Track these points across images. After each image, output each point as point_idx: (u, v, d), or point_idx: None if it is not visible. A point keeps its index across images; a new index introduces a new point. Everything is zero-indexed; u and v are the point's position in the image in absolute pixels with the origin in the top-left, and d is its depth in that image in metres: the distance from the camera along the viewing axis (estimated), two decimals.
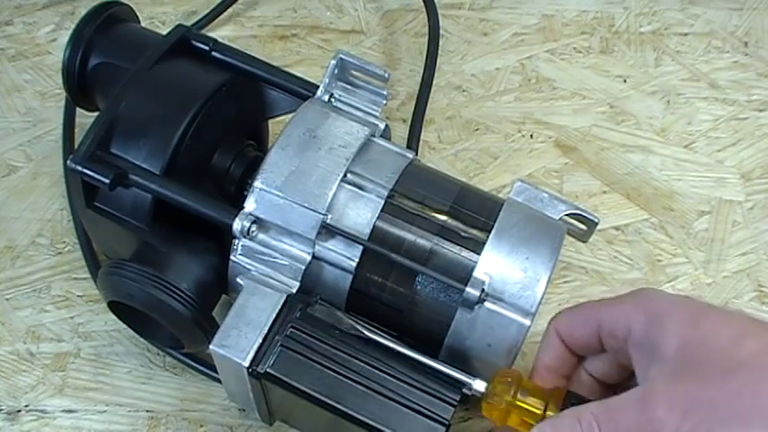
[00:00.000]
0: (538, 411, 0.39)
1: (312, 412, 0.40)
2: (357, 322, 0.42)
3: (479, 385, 0.40)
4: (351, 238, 0.43)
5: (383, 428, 0.39)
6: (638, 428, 0.33)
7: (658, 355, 0.34)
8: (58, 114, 0.61)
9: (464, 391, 0.40)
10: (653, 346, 0.35)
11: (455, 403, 0.39)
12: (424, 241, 0.43)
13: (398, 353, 0.41)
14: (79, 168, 0.43)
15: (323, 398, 0.39)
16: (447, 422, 0.39)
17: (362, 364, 0.40)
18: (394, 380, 0.40)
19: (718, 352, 0.33)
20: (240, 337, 0.40)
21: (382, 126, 0.48)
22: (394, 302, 0.44)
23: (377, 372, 0.40)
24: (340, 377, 0.40)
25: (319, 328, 0.41)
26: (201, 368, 0.50)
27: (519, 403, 0.40)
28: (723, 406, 0.32)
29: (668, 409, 0.32)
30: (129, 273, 0.43)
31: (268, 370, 0.40)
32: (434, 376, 0.40)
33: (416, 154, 0.49)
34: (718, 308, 0.36)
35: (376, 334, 0.41)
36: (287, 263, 0.43)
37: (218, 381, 0.49)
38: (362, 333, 0.41)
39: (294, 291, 0.42)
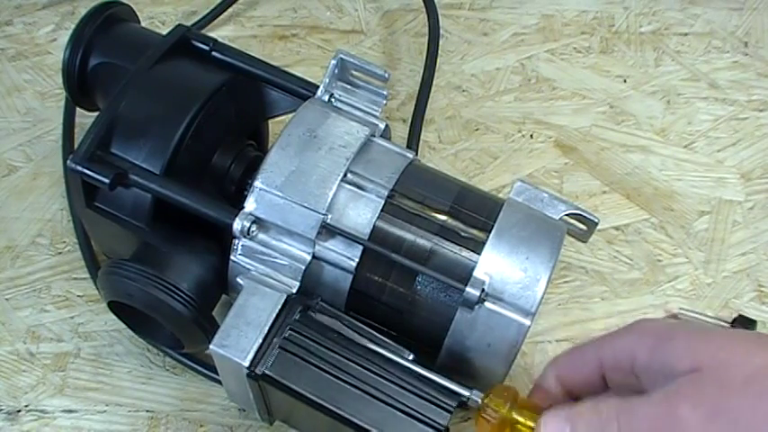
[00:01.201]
0: (531, 428, 0.39)
1: (310, 414, 0.40)
2: (357, 326, 0.42)
3: (476, 397, 0.40)
4: (351, 237, 0.43)
5: None
6: (658, 424, 0.33)
7: (673, 371, 0.34)
8: (57, 114, 0.61)
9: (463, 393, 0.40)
10: (664, 366, 0.35)
11: (452, 409, 0.39)
12: (424, 241, 0.43)
13: (396, 356, 0.41)
14: (79, 168, 0.43)
15: (320, 401, 0.39)
16: (443, 428, 0.39)
17: (360, 367, 0.40)
18: (391, 384, 0.40)
19: (733, 364, 0.33)
20: (240, 336, 0.40)
21: (382, 126, 0.48)
22: (394, 302, 0.44)
23: (374, 376, 0.40)
24: (337, 380, 0.40)
25: (318, 331, 0.41)
26: (201, 369, 0.50)
27: (513, 418, 0.39)
28: (746, 414, 0.32)
29: (692, 408, 0.32)
30: (129, 273, 0.43)
31: (266, 371, 0.40)
32: (432, 382, 0.40)
33: (416, 154, 0.49)
34: (719, 329, 0.36)
35: (375, 338, 0.42)
36: (287, 263, 0.43)
37: (218, 382, 0.49)
38: (361, 337, 0.41)
39: (294, 291, 0.42)
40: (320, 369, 0.40)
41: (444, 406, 0.39)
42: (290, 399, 0.40)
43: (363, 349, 0.41)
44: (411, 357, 0.41)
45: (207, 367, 0.50)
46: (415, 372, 0.40)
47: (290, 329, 0.41)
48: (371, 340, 0.41)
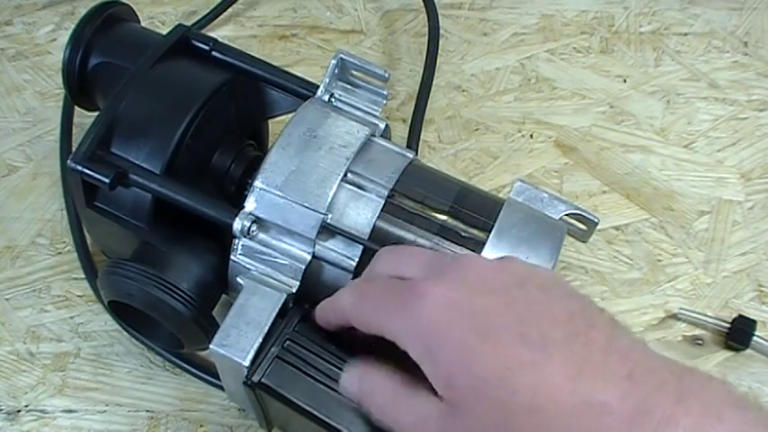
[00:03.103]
0: None
1: (307, 425, 0.40)
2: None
3: None
4: (351, 237, 0.43)
5: None
6: None
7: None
8: (57, 114, 0.61)
9: None
10: None
11: None
12: (424, 241, 0.43)
13: None
14: (79, 168, 0.43)
15: (314, 411, 0.39)
16: None
17: None
18: None
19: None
20: (240, 336, 0.40)
21: (382, 126, 0.48)
22: None
23: None
24: (333, 392, 0.39)
25: (316, 342, 0.41)
26: (199, 372, 0.50)
27: None
28: None
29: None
30: (130, 272, 0.43)
31: (262, 380, 0.40)
32: None
33: (416, 154, 0.49)
34: None
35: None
36: (287, 262, 0.43)
37: (216, 386, 0.49)
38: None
39: (294, 290, 0.42)
40: (316, 380, 0.40)
41: None
42: (286, 408, 0.40)
43: None
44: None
45: (205, 371, 0.50)
46: None
47: (288, 339, 0.41)
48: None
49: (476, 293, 0.34)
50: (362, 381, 0.38)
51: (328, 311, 0.40)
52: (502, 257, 0.37)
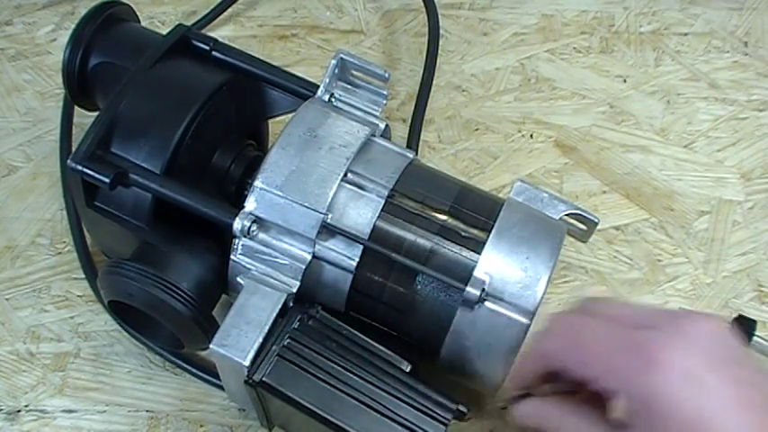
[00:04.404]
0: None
1: (308, 422, 0.40)
2: (356, 336, 0.42)
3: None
4: (351, 237, 0.43)
5: None
6: None
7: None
8: (57, 114, 0.61)
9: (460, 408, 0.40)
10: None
11: (447, 422, 0.39)
12: (424, 241, 0.43)
13: (394, 368, 0.41)
14: (79, 168, 0.43)
15: (316, 409, 0.39)
16: None
17: (358, 378, 0.40)
18: (388, 395, 0.40)
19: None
20: (240, 336, 0.40)
21: (382, 126, 0.48)
22: (394, 302, 0.44)
23: (371, 387, 0.40)
24: (334, 390, 0.40)
25: (317, 341, 0.41)
26: (200, 373, 0.50)
27: None
28: None
29: None
30: (130, 272, 0.43)
31: (264, 379, 0.40)
32: (429, 394, 0.40)
33: (416, 154, 0.49)
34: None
35: (374, 348, 0.41)
36: (287, 262, 0.43)
37: (216, 385, 0.49)
38: (360, 348, 0.41)
39: (294, 290, 0.42)
40: (317, 378, 0.40)
41: (440, 419, 0.39)
42: (287, 407, 0.40)
43: (361, 360, 0.41)
44: (409, 369, 0.41)
45: (205, 371, 0.50)
46: (412, 384, 0.40)
47: (289, 338, 0.41)
48: (370, 351, 0.41)
49: (708, 369, 0.34)
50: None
51: (525, 359, 0.40)
52: (677, 316, 0.37)
